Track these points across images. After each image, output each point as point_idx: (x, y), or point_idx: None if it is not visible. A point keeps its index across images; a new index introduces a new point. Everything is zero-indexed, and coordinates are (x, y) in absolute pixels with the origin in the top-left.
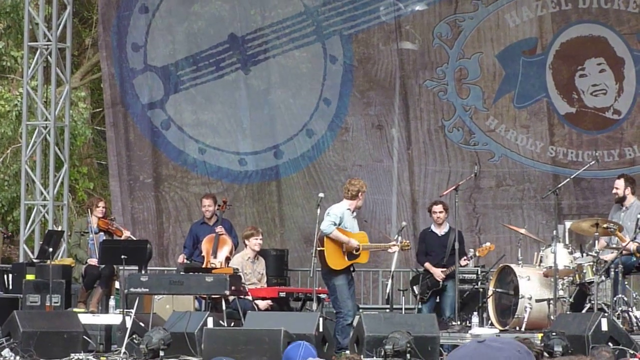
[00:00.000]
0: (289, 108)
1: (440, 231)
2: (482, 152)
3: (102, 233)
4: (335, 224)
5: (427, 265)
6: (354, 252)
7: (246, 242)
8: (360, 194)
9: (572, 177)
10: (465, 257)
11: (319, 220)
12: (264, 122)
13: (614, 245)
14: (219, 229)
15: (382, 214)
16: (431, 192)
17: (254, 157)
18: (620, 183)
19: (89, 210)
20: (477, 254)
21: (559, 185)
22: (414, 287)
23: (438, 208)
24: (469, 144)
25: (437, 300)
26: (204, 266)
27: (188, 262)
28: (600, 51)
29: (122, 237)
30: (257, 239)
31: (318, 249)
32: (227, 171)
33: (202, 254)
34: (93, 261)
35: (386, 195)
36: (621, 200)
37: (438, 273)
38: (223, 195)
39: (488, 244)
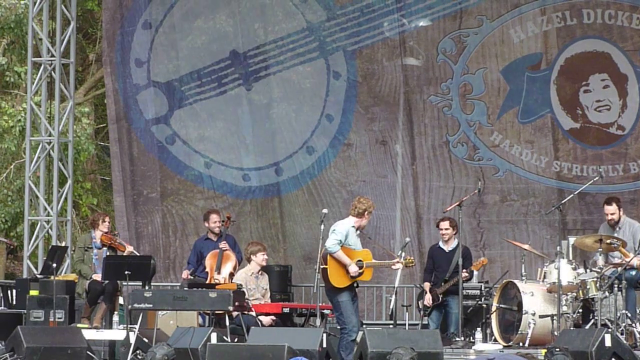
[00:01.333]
0: (289, 125)
1: (448, 247)
2: (487, 168)
3: (105, 248)
4: (340, 243)
5: (425, 285)
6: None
7: (252, 257)
8: (367, 213)
9: (576, 192)
10: (465, 270)
11: (322, 236)
12: (265, 138)
13: (616, 261)
14: (223, 244)
15: (386, 230)
16: (435, 208)
17: (257, 172)
18: (613, 208)
19: (92, 225)
20: (471, 269)
21: (563, 201)
22: (419, 302)
23: (445, 224)
24: (473, 159)
25: (443, 313)
26: (207, 282)
27: (192, 277)
28: (604, 67)
29: (125, 253)
30: (263, 254)
31: (322, 266)
32: (231, 186)
33: (206, 270)
34: (97, 276)
35: (390, 211)
36: (617, 223)
37: (427, 298)
38: (229, 210)
39: (482, 258)
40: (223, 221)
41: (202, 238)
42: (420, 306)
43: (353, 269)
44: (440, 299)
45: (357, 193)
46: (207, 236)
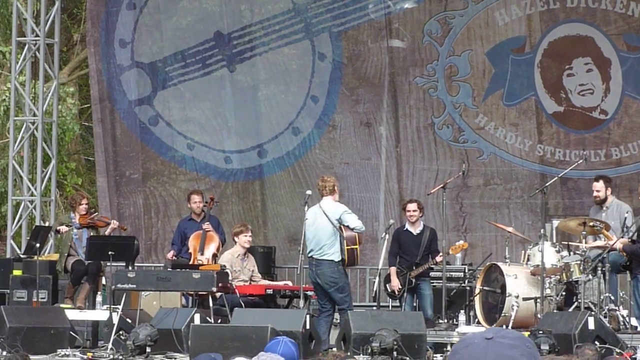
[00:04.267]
0: (275, 106)
1: (415, 230)
2: (471, 150)
3: (85, 229)
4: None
5: (392, 269)
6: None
7: (235, 239)
8: (335, 187)
9: (560, 175)
10: (440, 254)
11: (306, 217)
12: (249, 120)
13: (601, 245)
14: (206, 225)
15: (369, 212)
16: (419, 190)
17: (239, 155)
18: (600, 185)
19: (71, 206)
20: (450, 252)
21: (547, 184)
22: (387, 286)
23: (412, 206)
24: (458, 141)
25: (415, 298)
26: (191, 263)
27: (176, 258)
28: (587, 51)
29: (109, 228)
30: (246, 235)
31: (353, 247)
32: (214, 168)
33: (189, 251)
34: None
35: (374, 193)
36: (603, 201)
37: (394, 284)
38: (211, 192)
39: (461, 242)
40: (206, 202)
41: (186, 219)
42: (389, 290)
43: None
44: (414, 282)
45: (341, 175)
46: (191, 217)
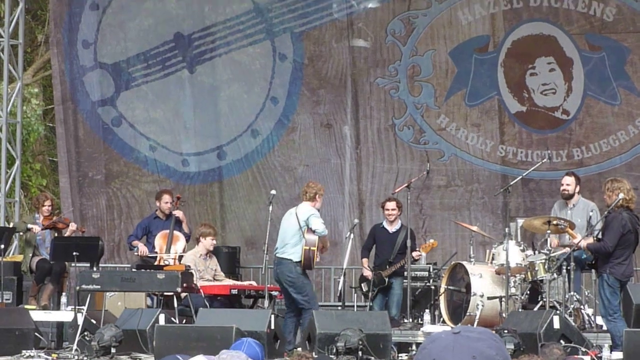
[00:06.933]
0: (234, 108)
1: (392, 228)
2: (432, 151)
3: (48, 230)
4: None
5: (363, 261)
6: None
7: (202, 239)
8: (317, 196)
9: (524, 175)
10: (417, 250)
11: (270, 218)
12: (208, 122)
13: (566, 243)
14: (178, 212)
15: (329, 214)
16: (378, 192)
17: (197, 158)
18: (570, 180)
19: (35, 207)
20: (421, 251)
21: (512, 183)
22: (362, 285)
23: (391, 205)
24: (419, 142)
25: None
26: (157, 262)
27: (151, 257)
28: (550, 50)
29: (69, 230)
30: (213, 240)
31: (311, 248)
32: (173, 171)
33: (155, 250)
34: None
35: (333, 195)
36: (570, 197)
37: (366, 272)
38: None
39: (431, 240)
40: (173, 201)
41: (151, 216)
42: (364, 289)
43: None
44: (386, 281)
45: (300, 177)
46: (157, 215)
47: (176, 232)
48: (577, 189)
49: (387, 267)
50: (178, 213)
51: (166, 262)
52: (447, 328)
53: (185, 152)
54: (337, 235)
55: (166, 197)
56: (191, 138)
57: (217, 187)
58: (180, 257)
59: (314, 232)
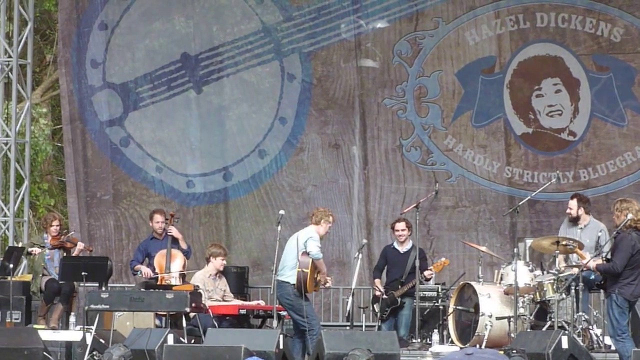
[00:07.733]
0: (241, 128)
1: (403, 248)
2: (440, 172)
3: (56, 250)
4: (321, 249)
5: (376, 282)
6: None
7: (211, 259)
8: (323, 221)
9: (531, 196)
10: (429, 269)
11: (279, 238)
12: (214, 142)
13: (574, 263)
14: (172, 228)
15: (336, 235)
16: (386, 213)
17: (202, 179)
18: (573, 203)
19: (43, 227)
20: (433, 270)
21: (520, 203)
22: (374, 306)
23: (401, 225)
24: (426, 163)
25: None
26: (159, 282)
27: (153, 278)
28: (556, 71)
29: (77, 249)
30: (223, 260)
31: (304, 270)
32: (177, 192)
33: (156, 270)
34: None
35: (342, 215)
36: (575, 219)
37: (378, 292)
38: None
39: (443, 259)
40: (167, 219)
41: (148, 238)
42: (376, 309)
43: (327, 276)
44: (399, 301)
45: (308, 197)
46: (153, 236)
47: (174, 250)
48: (582, 210)
49: (399, 287)
50: (172, 230)
51: (167, 282)
52: (455, 348)
53: (190, 173)
54: (345, 255)
55: (157, 217)
56: (197, 159)
57: (223, 208)
58: (183, 275)
59: (307, 254)
